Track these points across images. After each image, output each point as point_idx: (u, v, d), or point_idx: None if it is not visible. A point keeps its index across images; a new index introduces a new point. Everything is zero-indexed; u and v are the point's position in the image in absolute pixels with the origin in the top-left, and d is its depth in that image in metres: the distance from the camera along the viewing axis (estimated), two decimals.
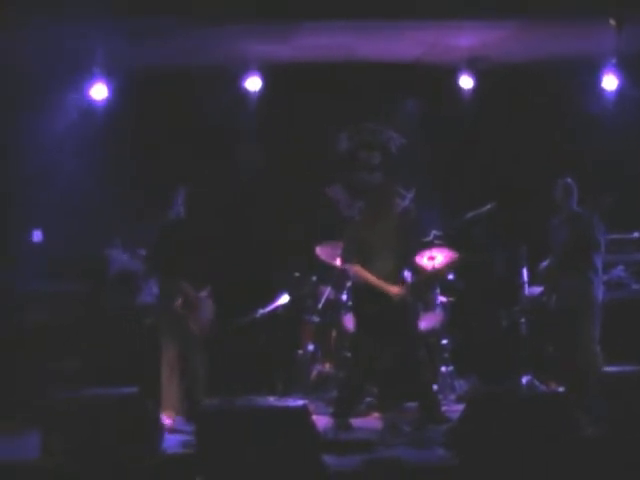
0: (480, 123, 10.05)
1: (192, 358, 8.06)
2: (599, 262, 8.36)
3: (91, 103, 9.25)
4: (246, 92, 9.69)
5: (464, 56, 9.62)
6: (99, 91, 9.13)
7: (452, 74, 9.87)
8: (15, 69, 8.98)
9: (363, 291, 7.77)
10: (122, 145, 9.45)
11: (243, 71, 9.58)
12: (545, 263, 8.68)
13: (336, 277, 8.93)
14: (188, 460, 5.84)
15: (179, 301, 7.87)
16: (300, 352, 9.05)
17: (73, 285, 8.87)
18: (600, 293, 8.30)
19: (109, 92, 9.17)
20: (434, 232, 9.05)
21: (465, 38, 9.12)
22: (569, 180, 8.49)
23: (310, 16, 8.22)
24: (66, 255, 8.99)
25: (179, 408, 7.82)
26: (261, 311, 8.90)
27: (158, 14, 7.86)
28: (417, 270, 8.42)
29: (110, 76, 9.08)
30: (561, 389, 8.55)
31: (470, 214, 9.05)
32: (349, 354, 8.39)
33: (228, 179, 9.76)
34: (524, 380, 8.77)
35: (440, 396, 8.46)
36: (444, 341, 8.98)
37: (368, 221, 7.93)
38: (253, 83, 9.61)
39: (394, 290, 7.69)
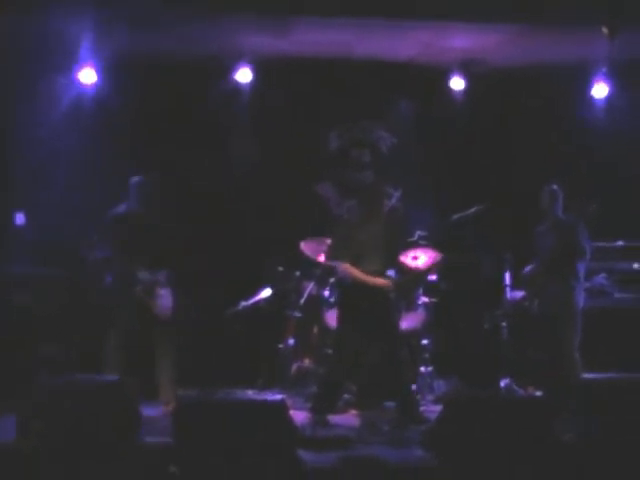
0: (472, 125, 10.07)
1: (158, 345, 8.13)
2: (582, 269, 8.43)
3: (80, 88, 9.19)
4: (238, 85, 9.66)
5: (458, 58, 9.63)
6: (88, 75, 9.08)
7: (446, 75, 9.88)
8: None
9: (350, 287, 7.77)
10: (109, 131, 9.39)
11: (237, 64, 9.55)
12: (529, 268, 8.71)
13: (320, 273, 8.92)
14: (165, 450, 5.81)
15: (139, 289, 7.94)
16: (281, 347, 9.04)
17: (56, 269, 8.83)
18: (581, 300, 8.37)
19: (98, 78, 9.12)
20: (419, 232, 9.05)
21: (460, 40, 9.14)
22: (555, 187, 8.54)
23: (309, 12, 8.23)
24: (49, 239, 8.94)
25: None
26: (243, 304, 8.88)
27: (156, 2, 7.86)
28: (402, 270, 8.43)
29: (100, 62, 9.05)
30: (539, 394, 8.59)
31: (457, 215, 9.06)
32: (330, 350, 8.39)
33: (218, 171, 9.74)
34: (503, 383, 8.79)
35: (419, 396, 8.47)
36: (425, 341, 8.99)
37: (358, 220, 7.92)
38: (244, 75, 9.57)
39: (383, 282, 7.71)
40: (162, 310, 8.17)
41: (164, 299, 8.21)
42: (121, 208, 8.27)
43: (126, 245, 8.07)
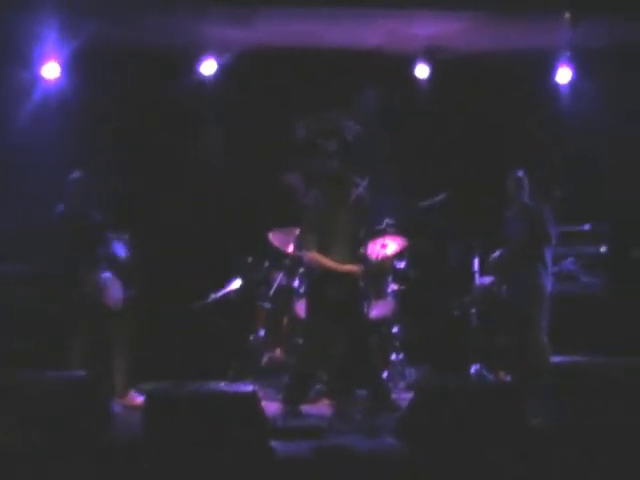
0: (438, 113, 10.09)
1: (113, 337, 8.14)
2: (549, 255, 8.48)
3: (42, 82, 9.11)
4: (204, 76, 9.61)
5: (423, 45, 9.64)
6: (51, 70, 8.99)
7: (411, 63, 9.88)
8: None
9: (319, 276, 7.78)
10: (74, 124, 9.32)
11: (203, 54, 9.49)
12: (496, 254, 8.75)
13: (289, 263, 8.93)
14: (135, 444, 5.79)
15: (87, 287, 7.92)
16: (251, 338, 9.03)
17: (24, 265, 8.78)
18: (549, 285, 8.42)
19: (62, 72, 9.04)
20: (387, 220, 9.05)
21: (424, 28, 9.15)
22: (520, 173, 8.59)
23: (276, 1, 8.23)
24: (15, 233, 8.88)
25: None
26: (213, 296, 8.86)
27: None
28: (368, 258, 8.44)
29: (63, 56, 8.96)
30: (509, 379, 8.65)
31: (424, 203, 9.08)
32: (300, 341, 8.40)
33: (185, 163, 9.71)
34: (473, 369, 8.83)
35: (390, 384, 8.50)
36: (395, 329, 9.03)
37: (325, 209, 7.92)
38: (210, 66, 9.52)
39: (351, 269, 7.72)
40: (113, 301, 8.12)
41: (114, 291, 8.15)
42: (60, 208, 8.17)
43: (72, 246, 8.02)
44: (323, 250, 7.73)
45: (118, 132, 9.43)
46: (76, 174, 8.18)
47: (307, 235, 7.88)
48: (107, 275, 8.10)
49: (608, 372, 6.26)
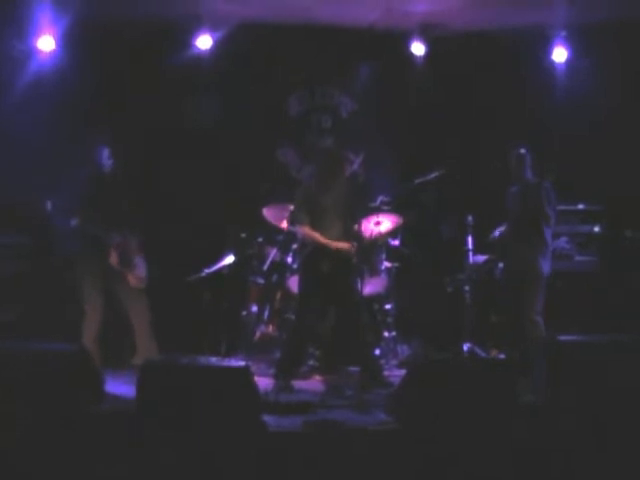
0: (432, 90, 10.07)
1: (134, 312, 8.12)
2: (549, 235, 8.36)
3: (38, 54, 9.06)
4: (198, 51, 9.56)
5: (419, 22, 9.60)
6: (46, 43, 8.95)
7: (407, 40, 9.84)
8: None
9: (312, 251, 7.78)
10: (69, 98, 9.28)
11: (198, 28, 9.43)
12: (498, 231, 8.67)
13: (282, 239, 8.92)
14: (128, 416, 5.80)
15: (114, 257, 7.89)
16: (244, 313, 9.04)
17: (16, 237, 8.76)
18: (547, 266, 8.31)
19: (57, 44, 8.99)
20: (381, 197, 9.04)
21: (421, 4, 9.10)
22: (522, 150, 8.47)
23: None
24: (8, 206, 8.84)
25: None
26: (206, 270, 8.85)
27: None
28: (362, 234, 8.44)
29: (58, 29, 8.90)
30: (501, 356, 8.66)
31: (418, 180, 9.06)
32: (293, 316, 8.41)
33: (178, 137, 9.67)
34: (465, 347, 8.84)
35: (382, 361, 8.52)
36: (388, 306, 9.04)
37: (319, 185, 7.92)
38: (204, 41, 9.46)
39: (343, 246, 7.73)
40: (138, 281, 8.14)
41: (139, 268, 8.17)
42: (92, 170, 8.19)
43: (99, 208, 7.99)
44: (316, 226, 7.73)
45: (113, 105, 9.38)
46: (105, 143, 8.19)
47: (300, 210, 7.88)
48: (135, 248, 8.15)
49: (600, 350, 6.27)
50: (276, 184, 9.49)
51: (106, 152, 8.16)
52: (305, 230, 7.76)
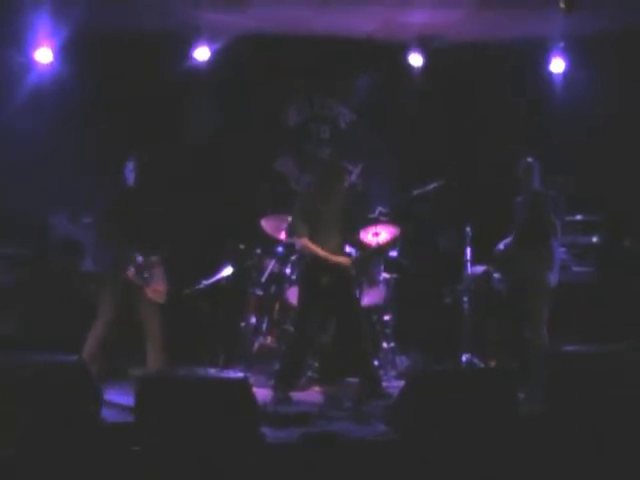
0: (431, 101, 10.09)
1: (150, 326, 7.99)
2: (556, 246, 8.27)
3: (36, 66, 9.07)
4: (197, 62, 9.57)
5: (417, 34, 9.62)
6: (44, 54, 8.95)
7: (405, 51, 9.86)
8: None
9: (311, 263, 7.79)
10: (70, 109, 9.29)
11: (196, 39, 9.44)
12: (503, 244, 8.56)
13: (281, 250, 8.92)
14: (126, 429, 5.79)
15: (131, 270, 7.78)
16: (243, 324, 9.03)
17: (15, 248, 8.76)
18: (554, 278, 8.20)
19: (55, 55, 8.99)
20: (379, 208, 9.05)
21: (419, 16, 9.12)
22: (530, 160, 8.35)
23: None
24: (7, 217, 8.84)
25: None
26: (205, 282, 8.85)
27: None
28: (361, 245, 8.45)
29: (56, 41, 8.90)
30: (500, 368, 8.64)
31: (417, 191, 9.06)
32: (291, 327, 8.40)
33: (177, 148, 9.67)
34: (464, 358, 8.83)
35: (381, 372, 8.51)
36: (386, 317, 9.04)
37: (317, 196, 7.93)
38: (202, 53, 9.45)
39: (342, 260, 7.74)
40: (156, 294, 7.93)
41: (158, 282, 8.02)
42: (117, 188, 7.97)
43: (122, 223, 7.84)
44: (314, 237, 7.74)
45: (111, 116, 9.39)
46: (135, 155, 7.97)
47: (298, 221, 7.88)
48: (156, 262, 7.96)
49: (600, 361, 6.26)
50: (275, 193, 9.51)
51: (130, 165, 7.94)
52: (304, 242, 7.76)
